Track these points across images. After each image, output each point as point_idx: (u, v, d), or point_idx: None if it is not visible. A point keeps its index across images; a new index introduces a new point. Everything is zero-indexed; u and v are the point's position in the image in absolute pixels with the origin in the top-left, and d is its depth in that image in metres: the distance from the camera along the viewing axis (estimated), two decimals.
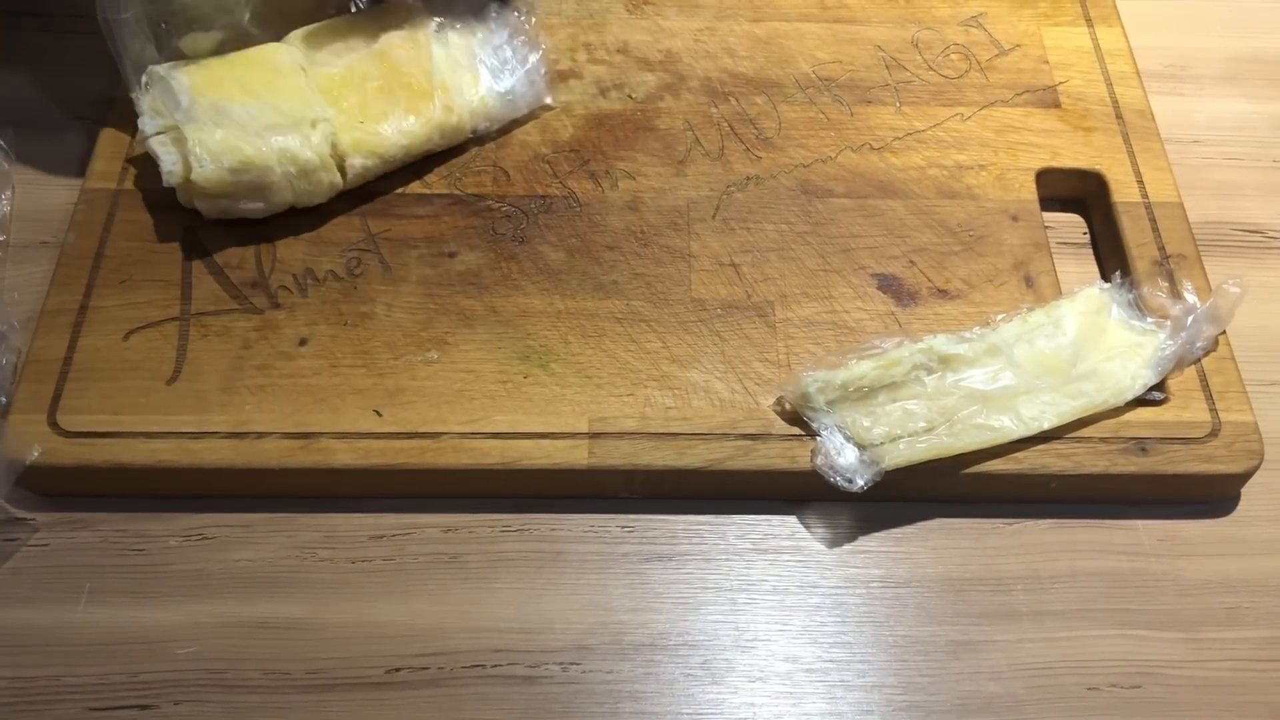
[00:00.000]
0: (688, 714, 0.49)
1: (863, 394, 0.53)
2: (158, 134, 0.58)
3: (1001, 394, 0.54)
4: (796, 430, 0.54)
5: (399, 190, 0.62)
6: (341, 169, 0.60)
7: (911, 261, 0.60)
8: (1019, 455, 0.53)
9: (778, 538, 0.54)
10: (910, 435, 0.52)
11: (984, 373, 0.55)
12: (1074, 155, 0.64)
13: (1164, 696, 0.50)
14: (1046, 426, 0.53)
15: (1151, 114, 0.66)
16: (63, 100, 0.68)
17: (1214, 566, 0.53)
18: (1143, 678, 0.50)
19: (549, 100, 0.65)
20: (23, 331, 0.57)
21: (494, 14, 0.66)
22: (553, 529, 0.53)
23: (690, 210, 0.62)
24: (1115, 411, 0.54)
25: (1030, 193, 0.63)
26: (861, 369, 0.54)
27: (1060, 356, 0.55)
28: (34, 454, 0.51)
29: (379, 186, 0.62)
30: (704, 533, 0.54)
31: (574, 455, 0.53)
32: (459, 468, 0.52)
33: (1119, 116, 0.66)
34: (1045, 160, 0.64)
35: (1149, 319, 0.57)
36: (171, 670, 0.49)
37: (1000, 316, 0.57)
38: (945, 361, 0.55)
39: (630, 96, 0.66)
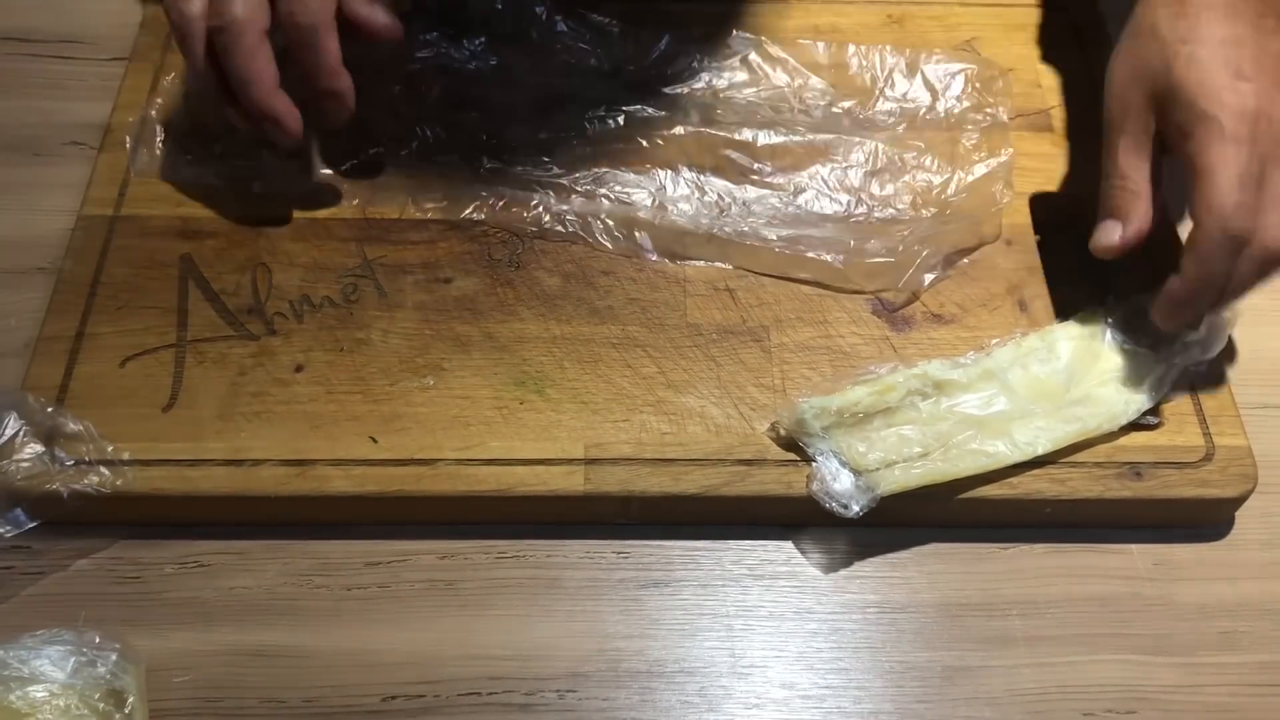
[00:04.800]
0: None
1: (858, 419, 0.53)
2: None
3: (996, 419, 0.54)
4: (792, 456, 0.54)
5: (395, 216, 0.62)
6: None
7: None
8: (1013, 480, 0.53)
9: (774, 563, 0.54)
10: (905, 461, 0.52)
11: (978, 398, 0.55)
12: (1067, 179, 0.65)
13: None
14: (1041, 451, 0.53)
15: None
16: (59, 126, 0.68)
17: (1209, 591, 0.53)
18: (1138, 703, 0.50)
19: None
20: (19, 359, 0.57)
21: None
22: (548, 555, 0.53)
23: (685, 235, 0.62)
24: (1109, 436, 0.54)
25: (1024, 217, 0.63)
26: (856, 394, 0.54)
27: (1054, 381, 0.56)
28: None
29: (375, 212, 0.62)
30: (700, 559, 0.54)
31: (570, 481, 0.53)
32: (454, 494, 0.53)
33: None
34: (1038, 184, 0.64)
35: (1143, 343, 0.57)
36: (167, 699, 0.49)
37: (994, 341, 0.57)
38: (940, 387, 0.55)
39: (625, 121, 0.67)
